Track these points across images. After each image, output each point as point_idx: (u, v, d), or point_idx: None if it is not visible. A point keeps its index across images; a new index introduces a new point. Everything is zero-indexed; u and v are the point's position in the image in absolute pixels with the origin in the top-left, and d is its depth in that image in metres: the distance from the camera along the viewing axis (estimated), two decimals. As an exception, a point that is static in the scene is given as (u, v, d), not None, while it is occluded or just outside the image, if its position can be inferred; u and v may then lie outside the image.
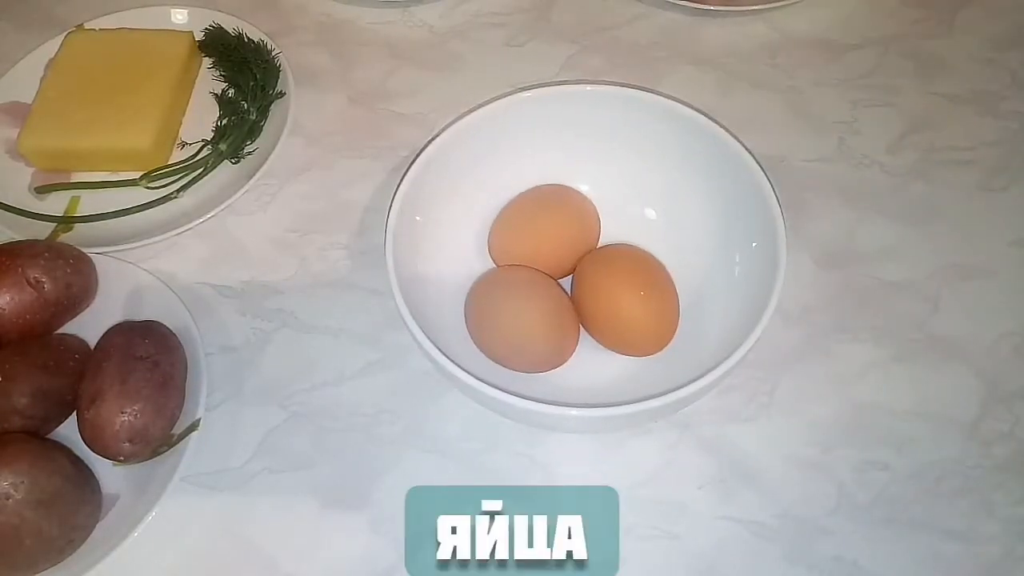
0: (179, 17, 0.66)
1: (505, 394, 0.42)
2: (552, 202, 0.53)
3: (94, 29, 0.64)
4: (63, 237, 0.55)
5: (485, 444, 0.49)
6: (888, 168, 0.59)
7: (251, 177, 0.57)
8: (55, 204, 0.58)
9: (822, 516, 0.46)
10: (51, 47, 0.63)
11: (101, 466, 0.46)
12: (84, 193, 0.59)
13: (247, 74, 0.61)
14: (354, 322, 0.53)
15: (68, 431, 0.47)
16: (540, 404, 0.42)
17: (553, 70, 0.65)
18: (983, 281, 0.54)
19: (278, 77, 0.62)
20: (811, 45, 0.66)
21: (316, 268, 0.56)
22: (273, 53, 0.63)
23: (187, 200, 0.58)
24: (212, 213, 0.56)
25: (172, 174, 0.59)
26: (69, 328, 0.51)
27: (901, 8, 0.68)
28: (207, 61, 0.65)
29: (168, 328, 0.49)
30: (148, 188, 0.58)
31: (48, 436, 0.47)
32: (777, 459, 0.48)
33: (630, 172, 0.54)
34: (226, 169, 0.59)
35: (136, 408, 0.44)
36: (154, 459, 0.46)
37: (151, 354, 0.46)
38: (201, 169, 0.59)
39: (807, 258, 0.55)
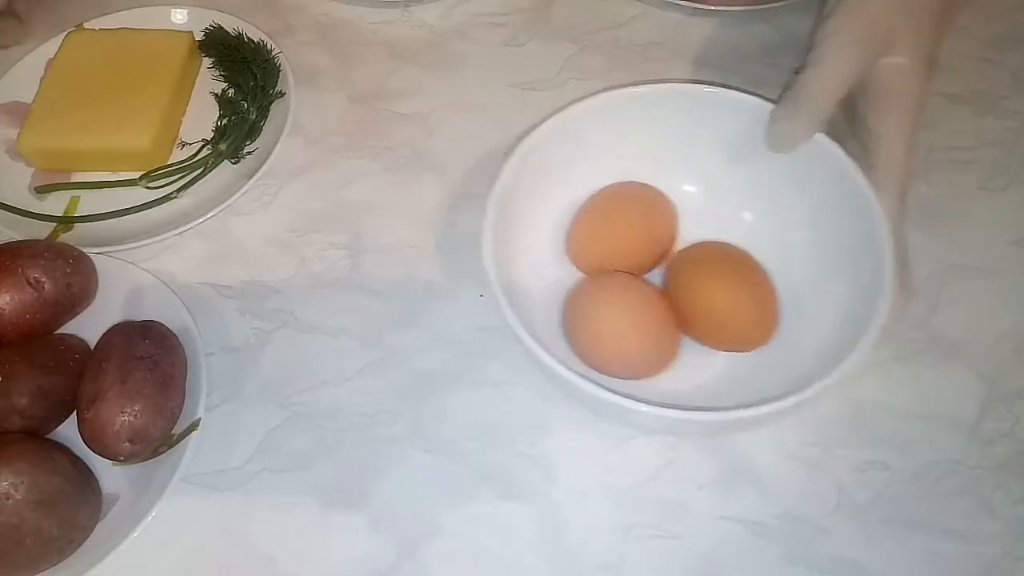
0: (179, 17, 0.66)
1: (652, 406, 0.41)
2: (630, 199, 0.52)
3: (94, 29, 0.64)
4: (63, 237, 0.55)
5: (485, 444, 0.49)
6: (888, 168, 0.59)
7: (251, 177, 0.57)
8: (55, 204, 0.58)
9: (822, 516, 0.46)
10: (51, 47, 0.63)
11: (101, 466, 0.46)
12: (84, 193, 0.59)
13: (247, 74, 0.61)
14: (354, 322, 0.53)
15: (68, 431, 0.47)
16: (685, 412, 0.41)
17: (553, 70, 0.65)
18: (983, 281, 0.54)
19: (278, 77, 0.62)
20: (811, 45, 0.66)
21: (316, 268, 0.56)
22: (273, 53, 0.62)
23: (187, 200, 0.58)
24: (212, 213, 0.56)
25: (172, 174, 0.59)
26: (69, 328, 0.51)
27: (901, 8, 0.68)
28: (207, 61, 0.65)
29: (168, 328, 0.49)
30: (148, 188, 0.58)
31: (48, 436, 0.47)
32: (777, 459, 0.48)
33: (726, 174, 0.53)
34: (226, 169, 0.59)
35: (136, 408, 0.44)
36: (154, 459, 0.47)
37: (151, 354, 0.46)
38: (201, 169, 0.59)
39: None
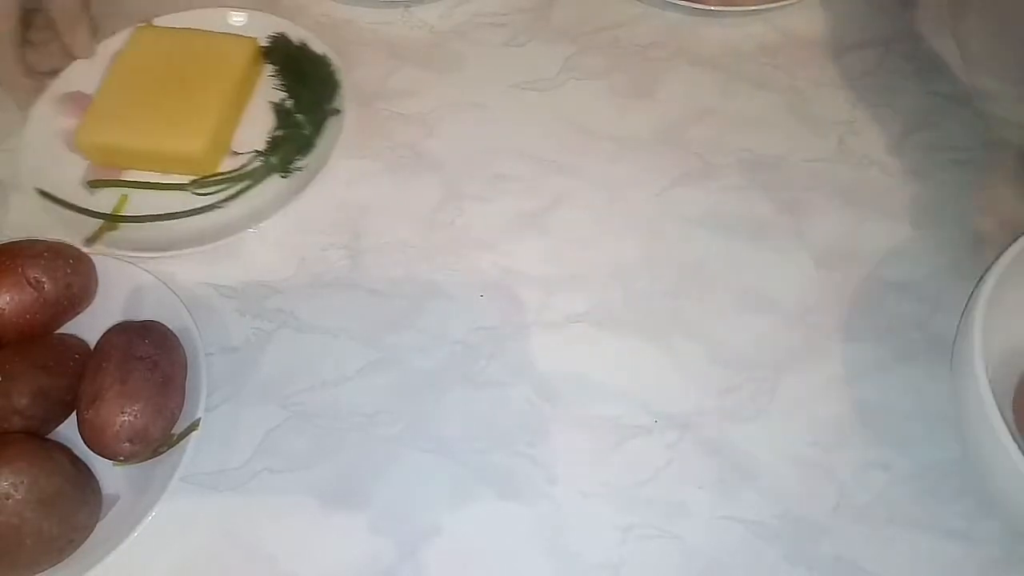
0: (237, 20, 0.64)
1: None
2: None
3: (161, 27, 0.63)
4: (108, 236, 0.55)
5: (485, 444, 0.49)
6: (888, 168, 0.59)
7: (299, 192, 0.56)
8: (106, 200, 0.57)
9: (822, 516, 0.46)
10: (117, 41, 0.62)
11: (101, 466, 0.46)
12: (133, 192, 0.58)
13: (306, 87, 0.60)
14: (354, 322, 0.53)
15: (68, 431, 0.47)
16: None
17: (553, 70, 0.65)
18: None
19: (336, 93, 0.60)
20: (811, 45, 0.66)
21: (316, 268, 0.56)
22: (333, 68, 0.61)
23: (234, 210, 0.57)
24: (253, 227, 0.55)
25: (221, 183, 0.57)
26: (69, 328, 0.51)
27: (901, 8, 0.68)
28: (268, 68, 0.63)
29: (168, 328, 0.49)
30: (196, 194, 0.57)
31: (48, 436, 0.47)
32: (777, 459, 0.48)
33: None
34: (275, 181, 0.58)
35: (136, 408, 0.44)
36: (154, 459, 0.46)
37: (151, 354, 0.46)
38: (250, 181, 0.57)
39: (807, 258, 0.55)
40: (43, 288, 0.48)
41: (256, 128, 0.60)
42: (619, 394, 0.50)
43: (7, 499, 0.40)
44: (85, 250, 0.52)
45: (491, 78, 0.64)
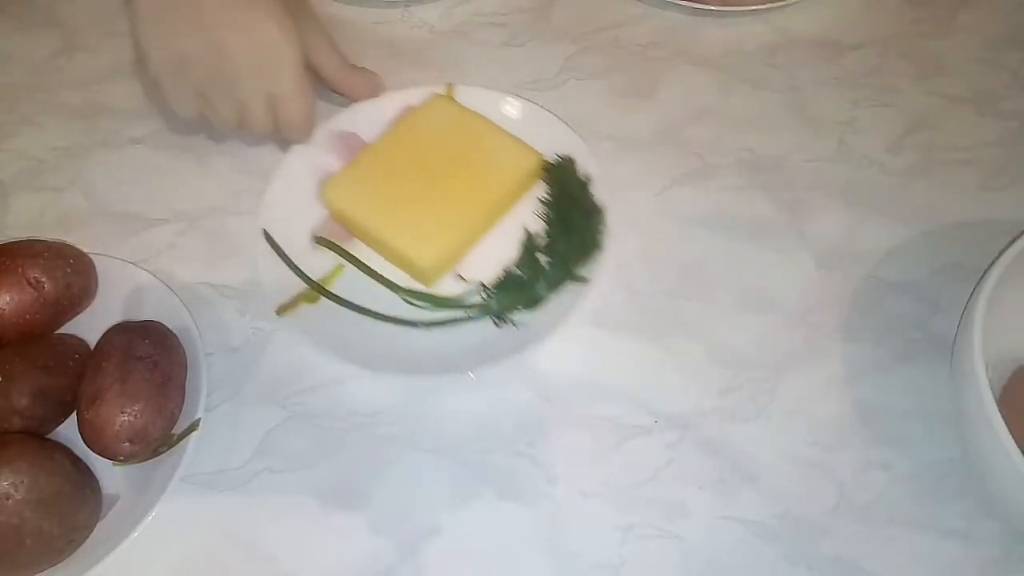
0: (512, 111, 0.59)
1: None
2: None
3: (459, 103, 0.58)
4: (305, 307, 0.51)
5: (485, 444, 0.49)
6: (888, 168, 0.59)
7: (516, 352, 0.49)
8: (325, 259, 0.54)
9: (822, 516, 0.46)
10: (416, 95, 0.59)
11: (101, 466, 0.46)
12: (348, 269, 0.54)
13: (566, 236, 0.53)
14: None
15: (68, 431, 0.47)
16: None
17: (553, 70, 0.65)
18: (983, 281, 0.54)
19: (592, 258, 0.52)
20: (811, 45, 0.66)
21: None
22: (602, 228, 0.53)
23: (435, 336, 0.52)
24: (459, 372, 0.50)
25: (430, 301, 0.52)
26: (69, 328, 0.51)
27: (901, 8, 0.68)
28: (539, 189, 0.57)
29: (168, 328, 0.49)
30: (405, 301, 0.52)
31: (48, 436, 0.47)
32: (777, 459, 0.48)
33: None
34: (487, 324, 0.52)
35: (136, 408, 0.44)
36: (154, 459, 0.47)
37: (151, 354, 0.46)
38: (463, 317, 0.52)
39: (807, 258, 0.55)
40: (43, 288, 0.48)
41: (493, 250, 0.54)
42: (619, 394, 0.50)
43: (7, 499, 0.40)
44: (279, 317, 0.50)
45: (491, 78, 0.64)
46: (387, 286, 0.53)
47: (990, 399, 0.41)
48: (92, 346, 0.49)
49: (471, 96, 0.59)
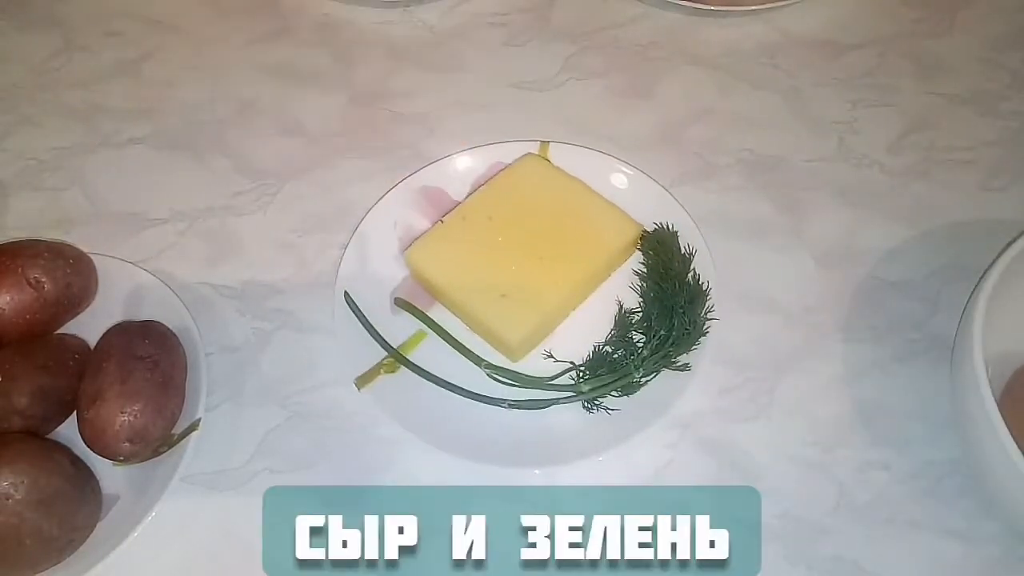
0: (620, 181, 0.55)
1: None
2: None
3: (553, 164, 0.55)
4: (380, 379, 0.49)
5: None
6: (888, 168, 0.59)
7: (606, 448, 0.46)
8: (404, 322, 0.51)
9: (822, 516, 0.46)
10: (507, 150, 0.56)
11: (101, 466, 0.46)
12: (431, 335, 0.51)
13: (664, 314, 0.49)
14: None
15: (68, 431, 0.47)
16: None
17: (553, 70, 0.65)
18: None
19: (692, 344, 0.49)
20: (811, 45, 0.66)
21: (316, 268, 0.56)
22: (702, 316, 0.49)
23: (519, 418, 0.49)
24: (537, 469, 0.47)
25: (516, 380, 0.49)
26: (69, 328, 0.51)
27: (901, 8, 0.68)
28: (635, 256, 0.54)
29: (168, 328, 0.49)
30: (488, 375, 0.50)
31: (48, 436, 0.47)
32: (777, 459, 0.48)
33: None
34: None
35: (136, 408, 0.44)
36: (154, 459, 0.46)
37: (151, 354, 0.46)
38: (548, 401, 0.48)
39: (807, 257, 0.55)
40: (43, 288, 0.48)
41: (592, 324, 0.51)
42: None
43: (7, 499, 0.40)
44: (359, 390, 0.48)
45: (491, 78, 0.64)
46: (470, 359, 0.50)
47: (990, 399, 0.41)
48: (92, 346, 0.49)
49: (568, 156, 0.56)
